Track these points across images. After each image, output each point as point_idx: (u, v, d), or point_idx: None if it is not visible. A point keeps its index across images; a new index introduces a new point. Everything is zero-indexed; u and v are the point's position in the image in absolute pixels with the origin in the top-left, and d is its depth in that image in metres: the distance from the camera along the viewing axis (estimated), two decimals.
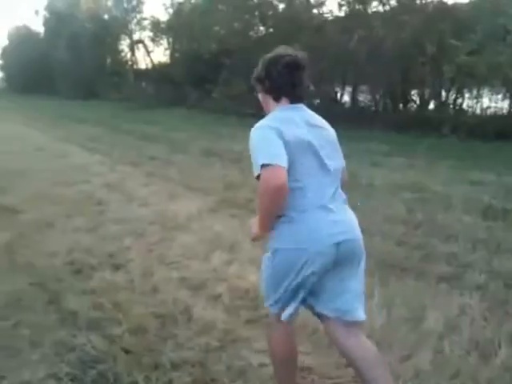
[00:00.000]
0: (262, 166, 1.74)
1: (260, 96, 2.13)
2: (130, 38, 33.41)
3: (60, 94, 34.44)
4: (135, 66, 34.23)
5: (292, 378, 2.17)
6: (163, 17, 30.59)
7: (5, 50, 56.91)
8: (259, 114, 2.17)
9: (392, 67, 13.64)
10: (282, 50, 2.04)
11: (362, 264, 1.99)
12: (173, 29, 27.17)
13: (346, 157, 2.12)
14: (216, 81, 20.96)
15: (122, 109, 23.64)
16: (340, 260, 1.87)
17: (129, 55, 35.14)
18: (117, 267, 3.80)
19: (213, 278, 3.64)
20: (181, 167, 8.27)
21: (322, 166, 1.92)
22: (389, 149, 9.53)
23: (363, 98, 17.42)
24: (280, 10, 18.42)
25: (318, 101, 16.45)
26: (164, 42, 30.80)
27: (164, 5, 28.49)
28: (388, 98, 16.07)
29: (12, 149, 9.86)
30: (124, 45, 35.49)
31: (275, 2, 18.54)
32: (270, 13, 18.51)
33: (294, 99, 2.01)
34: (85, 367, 2.51)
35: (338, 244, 1.84)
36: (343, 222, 1.93)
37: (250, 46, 18.58)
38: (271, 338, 2.11)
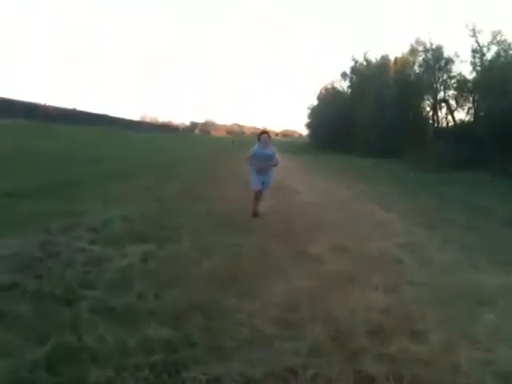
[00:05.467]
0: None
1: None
2: (434, 97, 33.32)
3: (360, 152, 36.43)
4: (436, 126, 33.90)
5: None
6: (469, 75, 29.62)
7: (313, 109, 63.59)
8: None
9: None
10: None
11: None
12: (480, 86, 26.03)
13: None
14: None
15: (418, 168, 23.55)
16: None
17: (430, 114, 35.09)
18: (415, 335, 3.64)
19: None
20: (482, 235, 7.67)
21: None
22: None
23: None
24: None
25: None
26: (468, 101, 29.83)
27: (472, 63, 27.60)
28: None
29: (318, 201, 10.82)
30: (426, 104, 35.65)
31: None
32: None
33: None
34: None
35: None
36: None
37: None
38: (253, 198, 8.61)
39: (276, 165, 8.70)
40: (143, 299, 4.12)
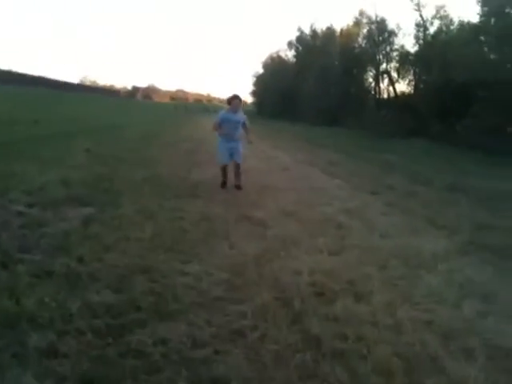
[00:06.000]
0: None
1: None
2: (377, 68, 33.92)
3: (304, 120, 36.76)
4: (378, 96, 34.64)
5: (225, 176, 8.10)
6: (412, 48, 30.19)
7: (258, 77, 63.29)
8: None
9: None
10: None
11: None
12: (422, 59, 26.66)
13: None
14: (462, 113, 19.75)
15: (361, 136, 24.03)
16: None
17: (373, 85, 35.81)
18: (359, 296, 3.67)
19: (464, 328, 3.25)
20: (423, 200, 7.89)
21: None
22: None
23: None
24: None
25: None
26: (409, 74, 30.53)
27: (416, 36, 28.09)
28: None
29: (263, 167, 10.79)
30: (369, 75, 36.30)
31: None
32: None
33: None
34: None
35: None
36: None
37: (506, 79, 16.98)
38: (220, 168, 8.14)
39: (248, 132, 8.07)
40: (84, 263, 3.94)
